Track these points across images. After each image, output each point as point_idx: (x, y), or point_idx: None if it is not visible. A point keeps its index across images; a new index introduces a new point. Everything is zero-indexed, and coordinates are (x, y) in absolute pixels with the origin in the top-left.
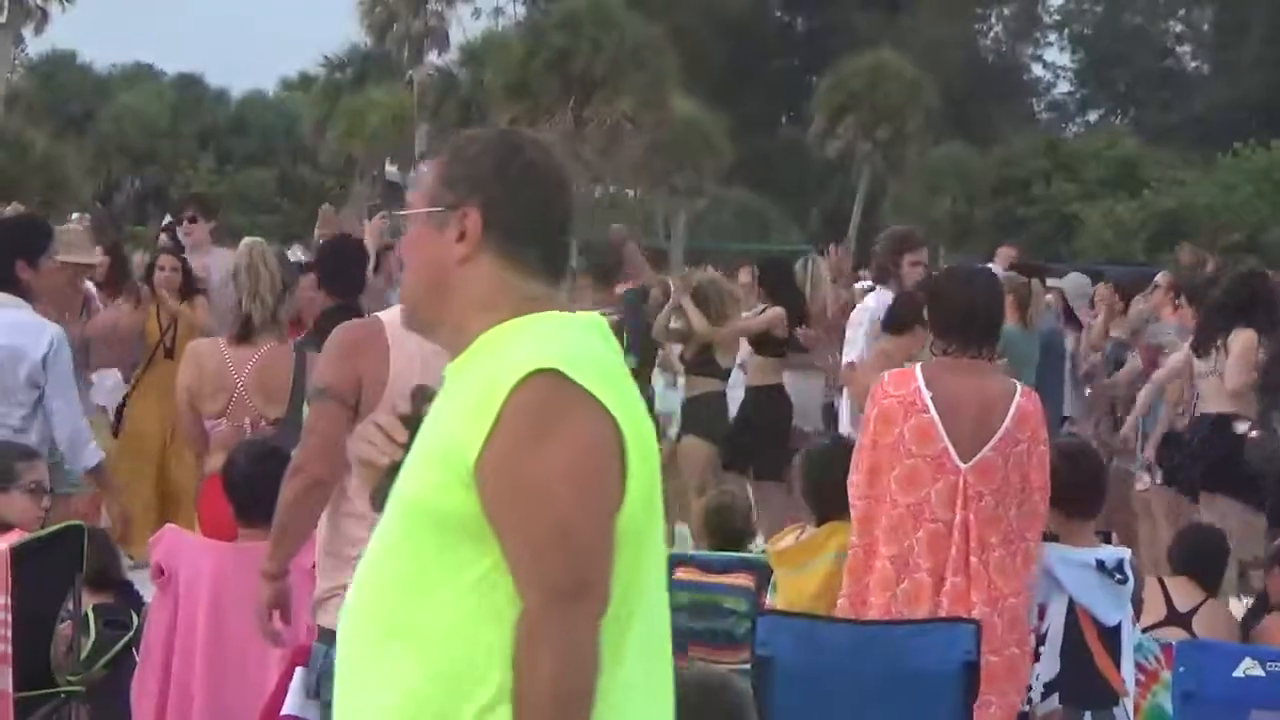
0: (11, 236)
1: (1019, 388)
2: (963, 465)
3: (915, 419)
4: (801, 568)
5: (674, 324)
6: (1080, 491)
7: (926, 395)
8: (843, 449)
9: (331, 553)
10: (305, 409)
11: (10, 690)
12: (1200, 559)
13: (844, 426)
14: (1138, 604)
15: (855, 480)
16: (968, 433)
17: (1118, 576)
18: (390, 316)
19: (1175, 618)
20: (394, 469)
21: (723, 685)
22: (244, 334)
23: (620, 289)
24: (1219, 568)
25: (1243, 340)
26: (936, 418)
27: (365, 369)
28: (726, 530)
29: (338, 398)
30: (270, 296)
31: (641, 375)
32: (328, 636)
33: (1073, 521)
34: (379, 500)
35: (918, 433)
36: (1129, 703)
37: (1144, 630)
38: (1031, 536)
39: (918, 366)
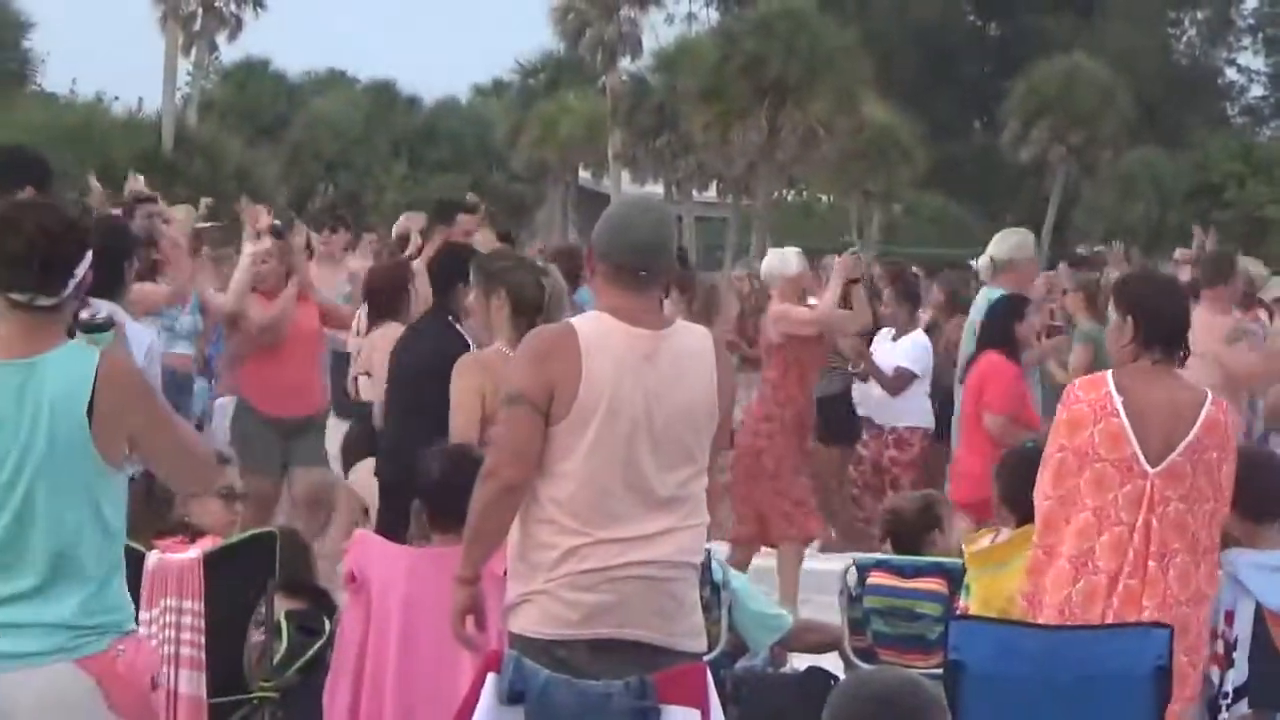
0: (118, 238)
1: (1209, 396)
2: (1151, 469)
3: (1105, 423)
4: (1002, 566)
5: None
6: (1264, 495)
7: (1117, 400)
8: (1041, 454)
9: (523, 558)
10: None
11: (204, 695)
12: None
13: None
14: None
15: (1041, 483)
16: (1157, 438)
17: None
18: (583, 323)
19: None
20: None
21: (913, 690)
22: None
23: None
24: None
25: None
26: (1126, 422)
27: (558, 376)
28: (902, 533)
29: (530, 403)
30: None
31: None
32: (519, 643)
33: (1258, 526)
34: None
35: (1107, 437)
36: None
37: None
38: (1218, 545)
39: (1109, 372)
